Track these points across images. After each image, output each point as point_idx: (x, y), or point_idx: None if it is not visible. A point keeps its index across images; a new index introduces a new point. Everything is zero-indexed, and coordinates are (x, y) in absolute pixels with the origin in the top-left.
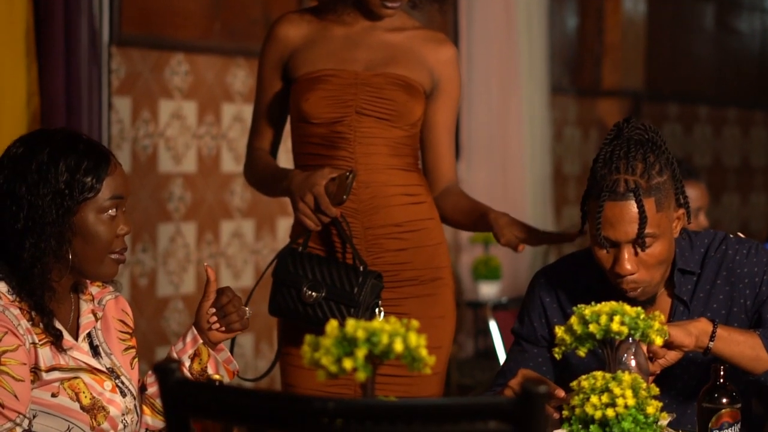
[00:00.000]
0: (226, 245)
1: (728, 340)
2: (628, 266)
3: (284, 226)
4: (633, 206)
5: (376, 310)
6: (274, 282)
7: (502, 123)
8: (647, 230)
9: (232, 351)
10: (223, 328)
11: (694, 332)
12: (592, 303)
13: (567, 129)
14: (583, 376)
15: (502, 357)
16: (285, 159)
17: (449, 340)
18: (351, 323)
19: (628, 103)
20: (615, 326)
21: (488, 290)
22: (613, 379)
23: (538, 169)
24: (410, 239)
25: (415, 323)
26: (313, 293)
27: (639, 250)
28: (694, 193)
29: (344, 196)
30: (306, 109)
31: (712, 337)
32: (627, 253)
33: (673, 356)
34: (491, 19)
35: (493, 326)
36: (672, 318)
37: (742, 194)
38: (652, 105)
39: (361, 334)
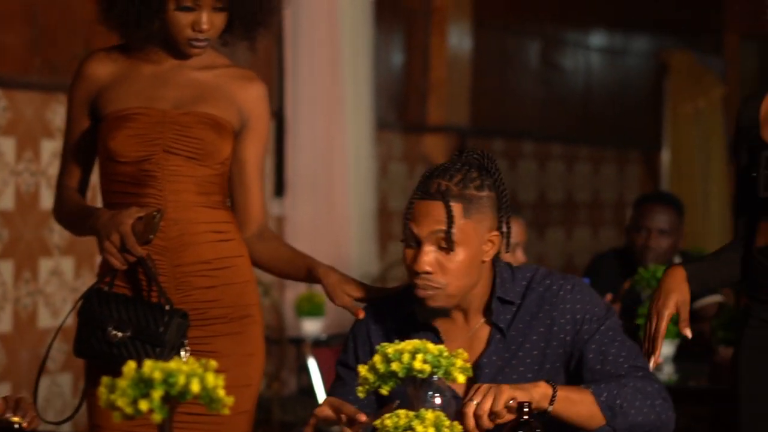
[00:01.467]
0: (44, 283)
1: (566, 401)
2: (426, 265)
3: None
4: (439, 206)
5: (182, 350)
6: (79, 322)
7: (327, 159)
8: (446, 231)
9: (35, 393)
10: None
11: (536, 396)
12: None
13: (392, 165)
14: (387, 414)
15: (321, 394)
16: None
17: (258, 378)
18: (148, 364)
19: (453, 138)
20: (417, 364)
21: (311, 327)
22: (416, 417)
23: (363, 205)
24: (219, 277)
25: (213, 363)
26: (119, 333)
27: (440, 253)
28: (512, 229)
29: (150, 236)
30: (113, 148)
31: (552, 401)
32: (426, 251)
33: (509, 417)
34: (316, 55)
35: (312, 363)
36: (489, 346)
37: (567, 229)
38: (478, 140)
39: (157, 375)
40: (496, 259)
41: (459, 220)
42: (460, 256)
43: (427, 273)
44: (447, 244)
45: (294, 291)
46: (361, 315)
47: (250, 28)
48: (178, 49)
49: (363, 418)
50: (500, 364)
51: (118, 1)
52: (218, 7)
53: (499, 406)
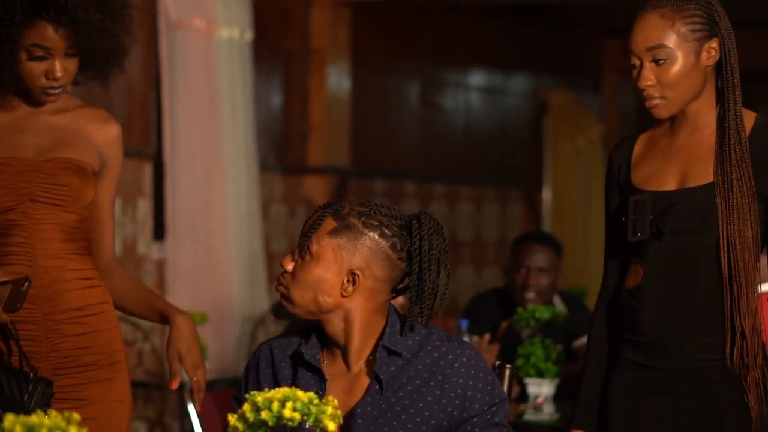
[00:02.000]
0: None
1: None
2: (286, 264)
3: None
4: (322, 215)
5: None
6: None
7: (207, 202)
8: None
9: None
10: None
11: None
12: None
13: (273, 206)
14: None
15: None
16: None
17: (127, 424)
18: (10, 419)
19: (334, 179)
20: (287, 413)
21: None
22: None
23: (245, 247)
24: (89, 323)
25: (76, 417)
26: None
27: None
28: None
29: (18, 305)
30: None
31: None
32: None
33: None
34: (194, 96)
35: (191, 409)
36: (366, 396)
37: (476, 268)
38: (359, 181)
39: (19, 430)
40: (390, 306)
41: (323, 235)
42: (308, 267)
43: (284, 272)
44: (300, 251)
45: None
46: (174, 386)
47: (102, 69)
48: (32, 98)
49: None
50: (375, 414)
51: None
52: (70, 53)
53: None
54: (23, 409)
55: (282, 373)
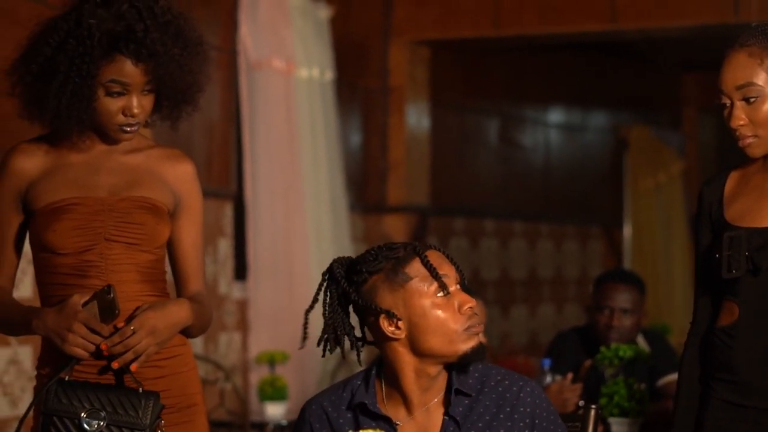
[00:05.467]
0: (2, 372)
1: None
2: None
3: None
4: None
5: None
6: (44, 416)
7: (287, 241)
8: None
9: None
10: None
11: None
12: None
13: (354, 246)
14: None
15: None
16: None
17: None
18: None
19: (414, 218)
20: None
21: (274, 411)
22: None
23: None
24: (167, 366)
25: None
26: (94, 421)
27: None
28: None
29: (116, 312)
30: (52, 240)
31: None
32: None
33: None
34: (274, 135)
35: None
36: None
37: (530, 306)
38: (438, 219)
39: None
40: None
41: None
42: None
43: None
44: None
45: (257, 374)
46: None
47: (177, 107)
48: (108, 135)
49: None
50: None
51: (49, 95)
52: (146, 90)
53: None
54: (140, 424)
55: (342, 428)
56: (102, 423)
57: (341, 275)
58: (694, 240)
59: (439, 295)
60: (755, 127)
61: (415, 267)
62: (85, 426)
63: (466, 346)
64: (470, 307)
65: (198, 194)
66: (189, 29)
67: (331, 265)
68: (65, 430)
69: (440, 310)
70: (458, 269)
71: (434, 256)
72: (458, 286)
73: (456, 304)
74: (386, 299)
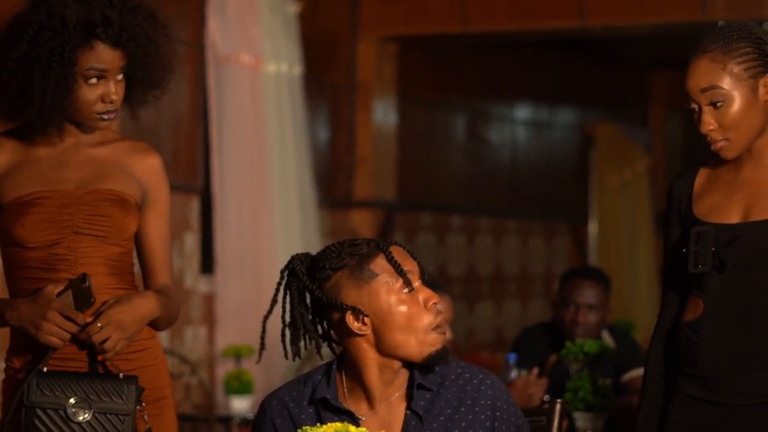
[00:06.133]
0: None
1: None
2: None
3: None
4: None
5: (144, 415)
6: (27, 409)
7: (254, 236)
8: None
9: None
10: None
11: None
12: (318, 424)
13: (323, 241)
14: None
15: None
16: None
17: None
18: None
19: (381, 213)
20: None
21: (240, 405)
22: None
23: None
24: (136, 359)
25: None
26: (81, 411)
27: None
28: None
29: (91, 300)
30: (21, 234)
31: None
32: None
33: None
34: (241, 130)
35: None
36: (405, 430)
37: (496, 302)
38: (405, 215)
39: None
40: None
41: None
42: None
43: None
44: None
45: (223, 368)
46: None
47: (147, 91)
48: (86, 125)
49: None
50: None
51: (33, 89)
52: (120, 76)
53: None
54: (126, 409)
55: (304, 424)
56: (89, 412)
57: (302, 272)
58: (662, 234)
59: (404, 291)
60: (725, 131)
61: (380, 263)
62: (72, 416)
63: (432, 348)
64: (434, 303)
65: (165, 187)
66: (156, 11)
67: (291, 261)
68: (50, 423)
69: (406, 306)
70: (420, 264)
71: (397, 252)
72: (421, 282)
73: (421, 299)
74: (351, 295)
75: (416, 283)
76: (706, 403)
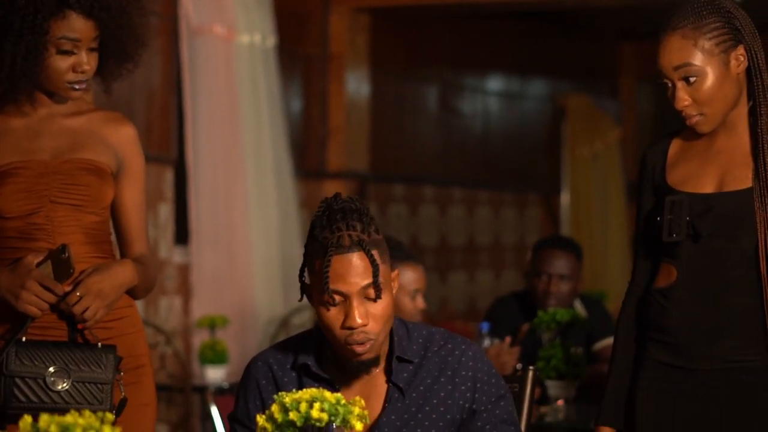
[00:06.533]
0: None
1: None
2: (358, 319)
3: None
4: (361, 257)
5: (120, 385)
6: (6, 378)
7: (228, 206)
8: (374, 280)
9: None
10: None
11: None
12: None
13: (297, 211)
14: None
15: None
16: None
17: (153, 427)
18: (44, 418)
19: (354, 184)
20: (315, 413)
21: (215, 374)
22: None
23: (266, 252)
24: (114, 328)
25: (109, 416)
26: (60, 380)
27: (369, 302)
28: (412, 276)
29: (70, 270)
30: None
31: None
32: (357, 305)
33: None
34: (215, 101)
35: (214, 411)
36: (388, 404)
37: (469, 272)
38: (378, 186)
39: (54, 429)
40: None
41: (380, 265)
42: (385, 301)
43: (363, 326)
44: (376, 293)
45: (198, 338)
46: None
47: (120, 64)
48: (58, 94)
49: None
50: (399, 424)
51: (3, 55)
52: (93, 47)
53: None
54: (105, 379)
55: (286, 387)
56: (68, 381)
57: (315, 225)
58: (636, 203)
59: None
60: (699, 106)
61: (319, 264)
62: (51, 385)
63: (352, 358)
64: (350, 327)
65: (140, 156)
66: None
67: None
68: (30, 392)
69: (327, 312)
70: (375, 275)
71: (339, 265)
72: (363, 298)
73: (344, 314)
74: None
75: (352, 297)
76: (676, 368)
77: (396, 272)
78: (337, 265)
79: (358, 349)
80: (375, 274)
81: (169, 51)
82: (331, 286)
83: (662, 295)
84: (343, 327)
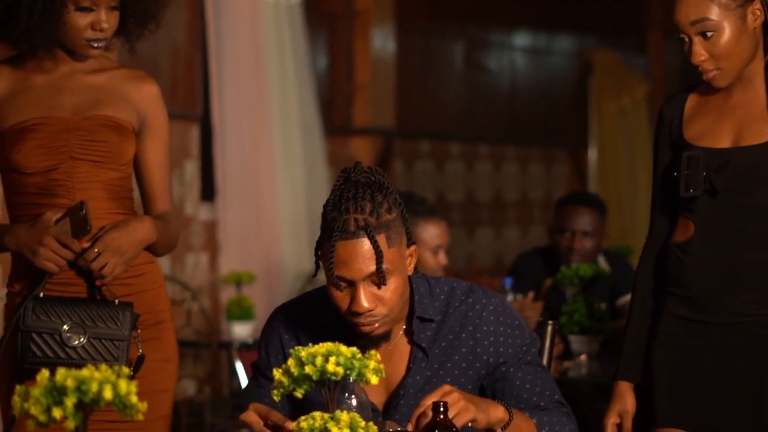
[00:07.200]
0: None
1: (516, 429)
2: (365, 303)
3: None
4: (365, 243)
5: (137, 342)
6: (23, 333)
7: (254, 163)
8: (377, 269)
9: None
10: None
11: (493, 420)
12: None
13: (318, 168)
14: (303, 417)
15: None
16: None
17: (174, 383)
18: (61, 372)
19: (380, 141)
20: (331, 367)
21: (241, 331)
22: (332, 419)
23: (292, 208)
24: (134, 284)
25: (125, 370)
26: (75, 335)
27: (375, 287)
28: (434, 231)
29: (87, 227)
30: (19, 160)
31: (505, 427)
32: (363, 291)
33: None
34: (240, 58)
35: (239, 367)
36: (412, 364)
37: (496, 229)
38: (404, 142)
39: (70, 382)
40: (412, 274)
41: (386, 251)
42: (394, 284)
43: (370, 310)
44: (380, 280)
45: (225, 295)
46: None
47: (142, 24)
48: (75, 52)
49: (291, 425)
50: (422, 382)
51: (21, 11)
52: (113, 6)
53: (459, 424)
54: (121, 336)
55: (306, 344)
56: (84, 337)
57: (328, 202)
58: (653, 157)
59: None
60: (716, 61)
61: (326, 247)
62: (67, 341)
63: (361, 335)
64: (356, 312)
65: (163, 114)
66: None
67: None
68: (46, 347)
69: (337, 292)
70: (378, 263)
71: (343, 251)
72: (370, 282)
73: (349, 298)
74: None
75: (358, 282)
76: (693, 322)
77: (414, 248)
78: (342, 252)
79: (366, 329)
80: (379, 262)
81: (194, 7)
82: (336, 273)
83: (680, 249)
84: (349, 311)
